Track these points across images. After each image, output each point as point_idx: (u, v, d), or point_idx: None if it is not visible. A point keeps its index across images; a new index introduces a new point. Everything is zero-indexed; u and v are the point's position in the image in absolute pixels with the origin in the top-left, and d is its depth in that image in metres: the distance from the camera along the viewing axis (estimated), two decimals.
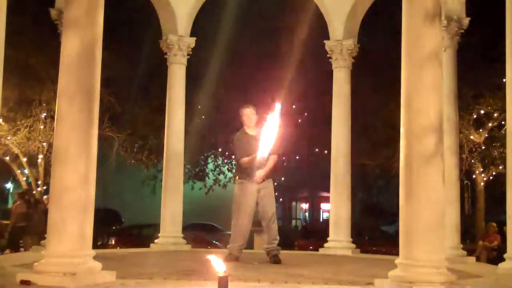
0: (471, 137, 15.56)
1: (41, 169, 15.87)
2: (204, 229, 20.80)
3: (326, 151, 14.53)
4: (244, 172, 7.03)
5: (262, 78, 16.75)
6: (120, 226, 21.59)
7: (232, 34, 15.08)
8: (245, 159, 6.96)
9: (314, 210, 32.51)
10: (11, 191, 29.42)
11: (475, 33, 10.75)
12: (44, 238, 7.29)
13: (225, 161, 20.78)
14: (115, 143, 16.47)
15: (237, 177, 7.18)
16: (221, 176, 20.76)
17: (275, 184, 7.78)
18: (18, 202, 13.87)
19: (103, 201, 15.72)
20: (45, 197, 13.35)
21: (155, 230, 10.05)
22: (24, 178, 17.06)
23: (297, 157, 19.66)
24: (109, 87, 13.89)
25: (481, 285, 5.57)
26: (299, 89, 17.25)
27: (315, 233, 17.49)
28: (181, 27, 9.63)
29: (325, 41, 9.70)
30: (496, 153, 15.68)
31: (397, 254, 4.90)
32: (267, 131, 6.68)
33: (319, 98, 14.97)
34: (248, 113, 7.16)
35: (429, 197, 4.74)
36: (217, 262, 4.04)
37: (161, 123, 10.97)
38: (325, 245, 9.35)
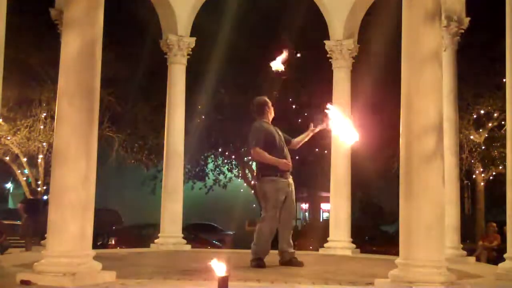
0: (471, 137, 15.57)
1: (41, 169, 15.89)
2: (204, 229, 20.81)
3: (326, 151, 14.53)
4: (271, 168, 6.45)
5: (262, 78, 16.75)
6: (120, 226, 21.59)
7: (232, 34, 15.08)
8: (268, 157, 6.39)
9: (314, 210, 32.48)
10: (11, 191, 29.45)
11: (475, 33, 10.74)
12: (44, 238, 7.30)
13: (225, 161, 20.79)
14: (115, 143, 16.48)
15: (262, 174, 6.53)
16: (221, 176, 20.77)
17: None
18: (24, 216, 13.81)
19: (103, 201, 15.74)
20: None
21: (155, 230, 10.06)
22: (24, 178, 17.06)
23: (297, 157, 19.73)
24: (109, 87, 13.90)
25: (481, 285, 5.57)
26: (299, 89, 17.28)
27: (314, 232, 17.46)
28: (181, 27, 9.63)
29: (325, 41, 9.70)
30: (496, 153, 15.69)
31: (397, 254, 4.90)
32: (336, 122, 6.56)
33: (319, 98, 14.95)
34: (271, 106, 6.76)
35: (429, 197, 4.74)
36: (217, 264, 4.05)
37: (161, 123, 10.98)
38: (325, 245, 9.34)
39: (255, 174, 6.68)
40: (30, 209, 13.47)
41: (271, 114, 6.77)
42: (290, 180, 6.66)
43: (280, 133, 6.74)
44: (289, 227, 6.72)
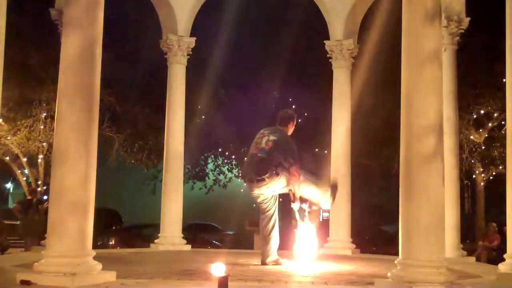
0: (471, 137, 15.54)
1: (41, 169, 15.86)
2: (204, 229, 20.79)
3: (326, 151, 14.52)
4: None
5: (262, 78, 16.76)
6: (120, 226, 21.59)
7: (232, 34, 15.08)
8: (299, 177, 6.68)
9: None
10: (11, 191, 29.45)
11: (475, 33, 10.74)
12: (44, 238, 7.31)
13: (225, 161, 20.77)
14: (115, 143, 16.46)
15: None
16: (221, 176, 20.75)
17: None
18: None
19: (103, 201, 15.71)
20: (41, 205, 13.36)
21: (155, 230, 10.06)
22: (24, 178, 17.05)
23: None
24: (109, 87, 13.88)
25: (481, 285, 5.57)
26: (299, 89, 17.26)
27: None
28: (181, 27, 9.64)
29: (325, 41, 9.71)
30: (496, 153, 15.67)
31: (397, 254, 4.90)
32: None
33: (319, 98, 14.95)
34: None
35: (429, 197, 4.74)
36: (217, 264, 4.05)
37: (161, 123, 10.97)
38: (325, 245, 9.35)
39: (255, 174, 6.75)
40: (23, 210, 13.51)
41: (292, 128, 6.97)
42: (257, 191, 6.79)
43: None
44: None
